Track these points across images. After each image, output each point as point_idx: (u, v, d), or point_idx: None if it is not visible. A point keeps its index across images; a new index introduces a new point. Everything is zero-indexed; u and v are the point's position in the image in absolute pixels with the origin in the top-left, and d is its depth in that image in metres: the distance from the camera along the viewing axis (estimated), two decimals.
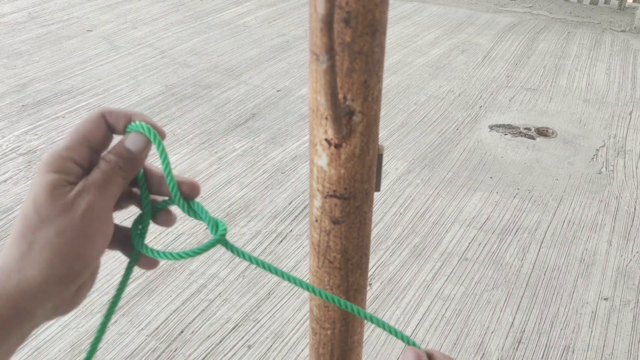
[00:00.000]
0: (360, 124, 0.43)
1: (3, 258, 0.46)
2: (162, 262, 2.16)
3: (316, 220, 0.51)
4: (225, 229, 0.50)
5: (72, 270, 0.46)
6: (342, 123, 0.42)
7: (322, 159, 0.46)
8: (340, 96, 0.41)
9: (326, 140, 0.44)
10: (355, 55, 0.39)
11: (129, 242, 0.54)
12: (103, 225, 0.48)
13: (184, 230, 2.31)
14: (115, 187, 0.49)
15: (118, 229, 0.53)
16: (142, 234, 0.53)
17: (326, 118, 0.42)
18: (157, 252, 0.52)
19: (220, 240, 0.50)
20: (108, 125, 0.51)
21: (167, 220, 0.54)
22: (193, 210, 0.52)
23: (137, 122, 0.50)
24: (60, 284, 0.46)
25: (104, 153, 0.50)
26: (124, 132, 0.51)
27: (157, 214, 0.53)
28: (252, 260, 0.50)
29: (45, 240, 0.45)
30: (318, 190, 0.48)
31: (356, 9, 0.37)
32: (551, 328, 1.95)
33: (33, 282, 0.45)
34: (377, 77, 0.42)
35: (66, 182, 0.47)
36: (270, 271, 0.50)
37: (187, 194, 0.52)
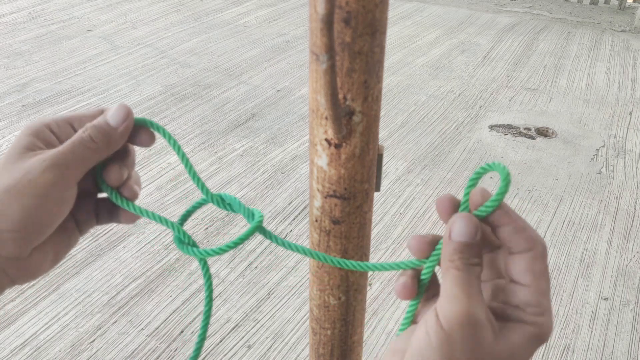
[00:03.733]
0: (360, 124, 0.43)
1: None
2: (163, 262, 2.16)
3: (316, 220, 0.51)
4: (261, 217, 0.50)
5: (13, 231, 0.46)
6: (342, 123, 0.42)
7: (322, 159, 0.46)
8: (340, 96, 0.41)
9: (326, 140, 0.44)
10: (355, 55, 0.39)
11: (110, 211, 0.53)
12: (61, 194, 0.47)
13: None
14: (83, 160, 0.48)
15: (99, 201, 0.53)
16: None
17: (326, 118, 0.42)
18: (197, 250, 0.52)
19: (258, 227, 0.50)
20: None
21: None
22: (228, 204, 0.52)
23: (141, 117, 0.49)
24: (3, 243, 0.46)
25: (85, 125, 0.49)
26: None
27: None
28: (291, 247, 0.50)
29: None
30: (318, 190, 0.48)
31: (356, 9, 0.37)
32: None
33: None
34: (377, 77, 0.42)
35: (37, 147, 0.47)
36: (312, 256, 0.49)
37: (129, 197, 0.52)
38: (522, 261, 0.40)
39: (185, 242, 0.52)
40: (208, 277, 0.53)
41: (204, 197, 0.52)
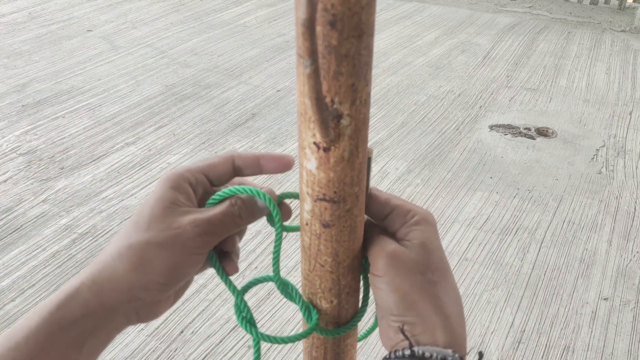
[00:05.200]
0: (348, 127, 0.43)
1: (105, 252, 0.50)
2: None
3: (306, 224, 0.51)
4: (318, 316, 0.55)
5: (159, 282, 0.49)
6: (330, 127, 0.42)
7: (311, 163, 0.45)
8: (328, 99, 0.41)
9: (315, 143, 0.44)
10: (342, 58, 0.39)
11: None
12: (200, 256, 0.51)
13: None
14: (228, 231, 0.53)
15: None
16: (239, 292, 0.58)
17: (314, 121, 0.42)
18: (262, 334, 0.55)
19: (315, 328, 0.55)
20: (235, 166, 0.55)
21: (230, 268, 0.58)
22: (288, 293, 0.56)
23: (267, 196, 0.53)
24: (145, 290, 0.49)
25: (232, 197, 0.53)
26: (250, 173, 0.56)
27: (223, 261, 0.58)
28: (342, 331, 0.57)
29: (145, 249, 0.49)
30: (308, 193, 0.48)
31: (342, 11, 0.37)
32: (551, 328, 1.95)
33: (122, 281, 0.48)
34: (365, 80, 0.41)
35: (181, 202, 0.51)
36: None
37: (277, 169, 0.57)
38: (374, 202, 0.54)
39: (244, 314, 0.56)
40: (257, 357, 0.58)
41: (272, 276, 0.57)
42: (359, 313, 0.58)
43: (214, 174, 0.54)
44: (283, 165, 0.55)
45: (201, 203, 0.54)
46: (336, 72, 0.39)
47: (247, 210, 0.53)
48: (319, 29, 0.37)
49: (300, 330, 0.56)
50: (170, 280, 0.50)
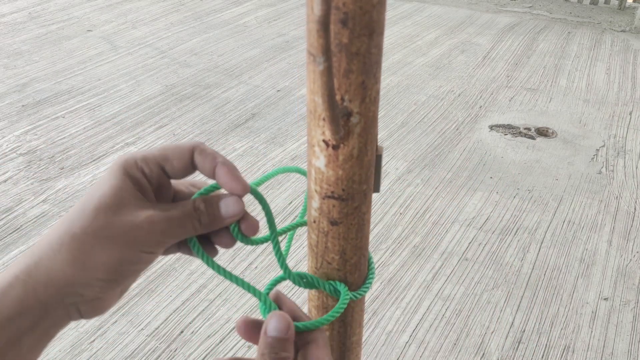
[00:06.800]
0: (358, 125, 0.43)
1: (45, 239, 0.45)
2: (163, 262, 2.16)
3: (314, 222, 0.51)
4: (347, 291, 0.53)
5: (101, 279, 0.45)
6: (340, 124, 0.42)
7: (320, 160, 0.46)
8: (338, 97, 0.41)
9: (324, 141, 0.44)
10: (353, 56, 0.39)
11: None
12: (151, 256, 0.47)
13: None
14: (183, 233, 0.48)
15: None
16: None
17: (324, 119, 0.42)
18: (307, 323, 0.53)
19: (347, 297, 0.53)
20: (193, 162, 0.50)
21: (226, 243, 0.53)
22: (307, 282, 0.54)
23: (253, 186, 0.50)
24: (85, 286, 0.45)
25: (197, 198, 0.49)
26: (209, 174, 0.50)
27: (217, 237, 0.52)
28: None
29: (89, 241, 0.44)
30: (316, 191, 0.48)
31: (353, 10, 0.37)
32: (551, 328, 1.95)
33: (60, 276, 0.44)
34: (375, 78, 0.42)
35: (137, 194, 0.47)
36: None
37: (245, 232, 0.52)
38: (310, 350, 0.49)
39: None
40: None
41: (283, 275, 0.54)
42: (367, 279, 0.56)
43: (170, 167, 0.49)
44: (232, 187, 0.49)
45: (156, 197, 0.50)
46: (347, 70, 0.39)
47: (208, 217, 0.49)
48: (330, 27, 0.37)
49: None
50: (114, 278, 0.45)
